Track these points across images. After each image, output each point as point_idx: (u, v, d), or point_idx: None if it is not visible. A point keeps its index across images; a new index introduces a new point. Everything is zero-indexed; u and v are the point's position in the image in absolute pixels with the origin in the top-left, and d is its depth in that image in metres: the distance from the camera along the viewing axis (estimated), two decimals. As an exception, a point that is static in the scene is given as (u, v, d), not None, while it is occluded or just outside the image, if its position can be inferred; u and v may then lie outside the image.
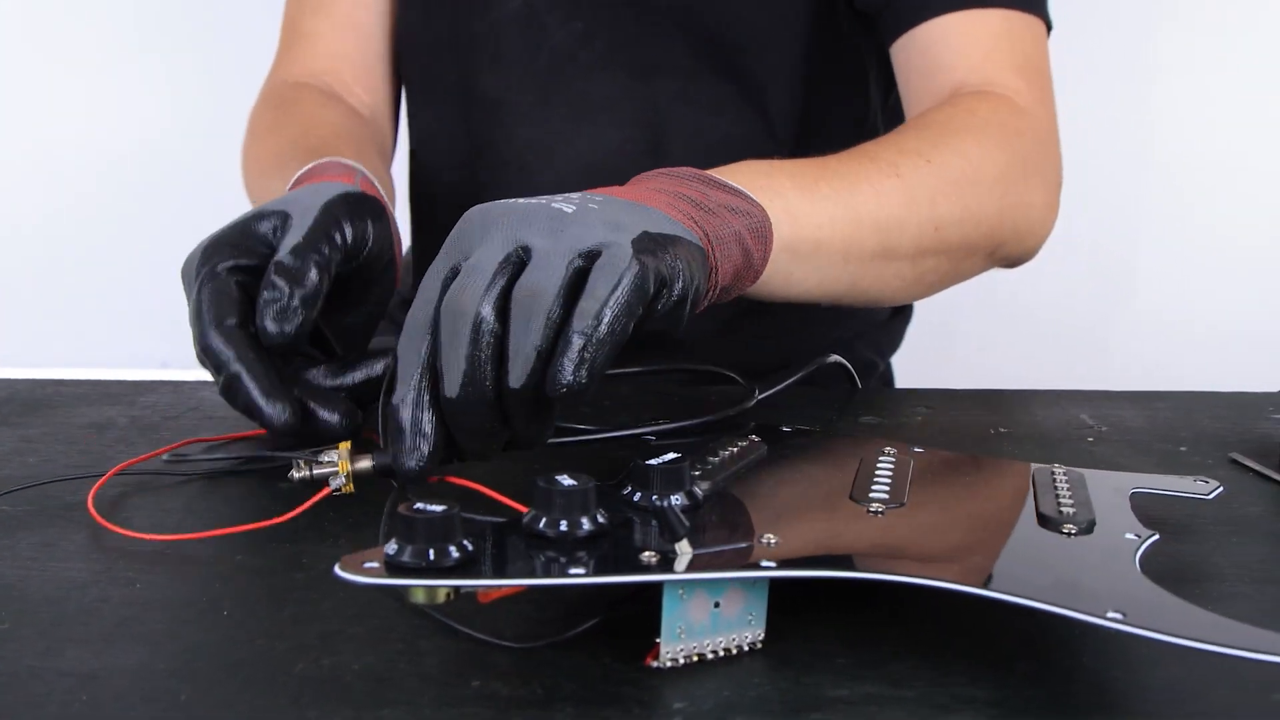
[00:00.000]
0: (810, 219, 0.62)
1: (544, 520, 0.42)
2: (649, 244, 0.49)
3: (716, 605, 0.42)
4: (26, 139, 1.59)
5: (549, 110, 0.89)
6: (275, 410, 0.56)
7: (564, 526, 0.42)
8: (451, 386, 0.48)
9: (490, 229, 0.50)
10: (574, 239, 0.49)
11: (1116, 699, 0.40)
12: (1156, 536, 0.46)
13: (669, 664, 0.41)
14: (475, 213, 0.52)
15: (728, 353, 0.88)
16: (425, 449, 0.49)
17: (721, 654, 0.42)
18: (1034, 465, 0.54)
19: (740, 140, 0.88)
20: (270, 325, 0.57)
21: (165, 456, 0.62)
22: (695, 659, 0.42)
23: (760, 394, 0.69)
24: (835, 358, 0.76)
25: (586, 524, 0.42)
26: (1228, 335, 1.51)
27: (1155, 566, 0.49)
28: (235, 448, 0.65)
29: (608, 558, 0.41)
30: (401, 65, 0.97)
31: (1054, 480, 0.52)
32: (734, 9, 0.86)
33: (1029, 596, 0.39)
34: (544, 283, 0.47)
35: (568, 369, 0.46)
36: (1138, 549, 0.44)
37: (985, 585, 0.40)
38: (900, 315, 1.04)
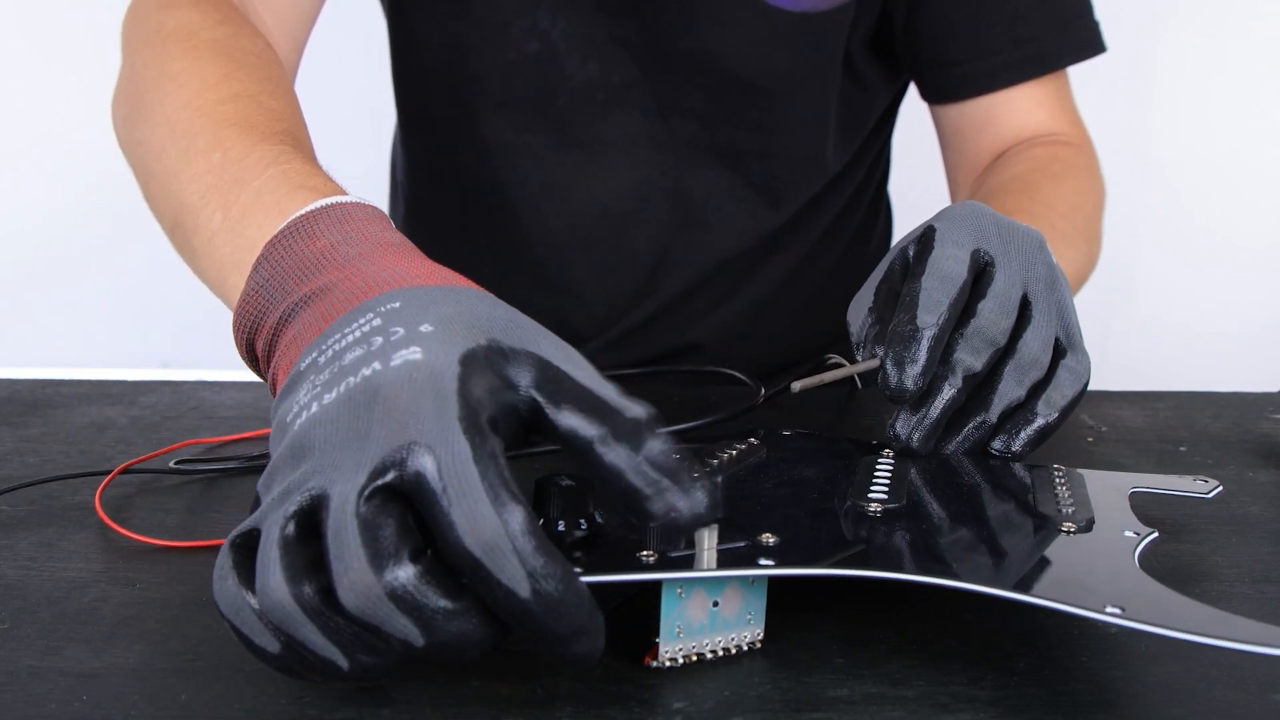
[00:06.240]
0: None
1: (542, 520, 0.42)
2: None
3: (715, 604, 0.42)
4: (26, 139, 1.59)
5: (563, 152, 0.86)
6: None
7: (562, 526, 0.42)
8: (952, 385, 0.55)
9: (1010, 260, 0.56)
10: (1061, 315, 0.57)
11: (1116, 698, 0.40)
12: (1155, 534, 0.46)
13: (668, 664, 0.41)
14: (981, 224, 0.58)
15: (739, 352, 0.88)
16: (922, 380, 0.54)
17: (720, 654, 0.42)
18: (1034, 465, 0.54)
19: (758, 184, 0.87)
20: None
21: (172, 463, 0.62)
22: (694, 659, 0.42)
23: (765, 394, 0.69)
24: (835, 358, 0.76)
25: (585, 524, 0.42)
26: (1228, 335, 1.51)
27: (1154, 565, 0.49)
28: (237, 448, 0.65)
29: (606, 558, 0.41)
30: (395, 94, 0.93)
31: (1054, 480, 0.52)
32: (760, 58, 0.84)
33: (1028, 594, 0.39)
34: (1042, 357, 0.56)
35: (1019, 442, 0.56)
36: (1137, 546, 0.44)
37: (985, 584, 0.40)
38: None
